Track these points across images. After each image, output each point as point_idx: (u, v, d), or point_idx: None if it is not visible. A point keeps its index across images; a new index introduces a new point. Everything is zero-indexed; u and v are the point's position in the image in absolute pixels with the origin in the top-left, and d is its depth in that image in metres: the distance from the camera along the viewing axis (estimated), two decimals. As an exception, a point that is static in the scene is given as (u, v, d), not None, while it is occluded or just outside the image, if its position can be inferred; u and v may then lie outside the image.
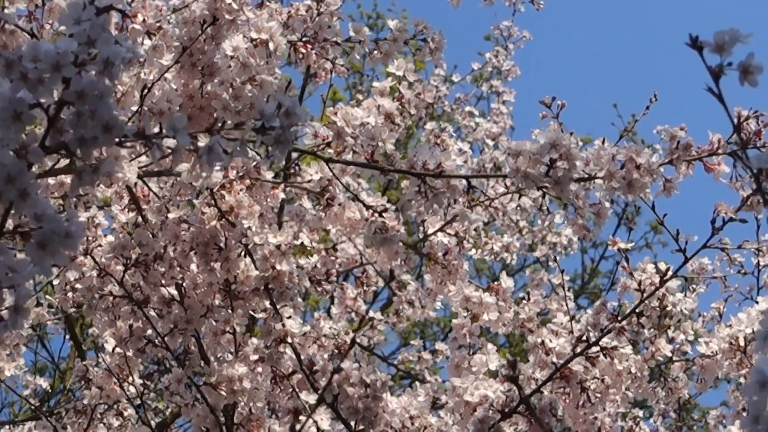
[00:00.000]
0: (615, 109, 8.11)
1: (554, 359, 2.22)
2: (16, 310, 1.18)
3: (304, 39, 2.37)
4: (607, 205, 2.12)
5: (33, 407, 3.91)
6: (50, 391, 4.50)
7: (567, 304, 2.44)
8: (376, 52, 2.44)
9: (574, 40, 18.01)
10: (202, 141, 1.25)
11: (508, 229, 4.20)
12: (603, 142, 2.18)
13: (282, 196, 2.56)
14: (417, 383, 2.51)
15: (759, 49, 1.04)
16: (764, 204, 1.93)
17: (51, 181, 2.39)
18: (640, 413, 3.70)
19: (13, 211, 1.17)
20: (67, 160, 2.03)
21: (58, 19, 2.17)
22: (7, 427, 3.42)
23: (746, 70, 1.03)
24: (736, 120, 2.01)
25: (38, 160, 1.16)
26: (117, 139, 1.16)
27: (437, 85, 5.00)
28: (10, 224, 1.21)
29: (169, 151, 1.18)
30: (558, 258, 4.37)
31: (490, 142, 5.07)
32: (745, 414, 0.98)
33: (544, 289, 3.99)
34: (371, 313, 4.04)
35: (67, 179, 2.34)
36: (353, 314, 2.79)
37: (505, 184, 2.67)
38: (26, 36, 2.24)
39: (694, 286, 2.34)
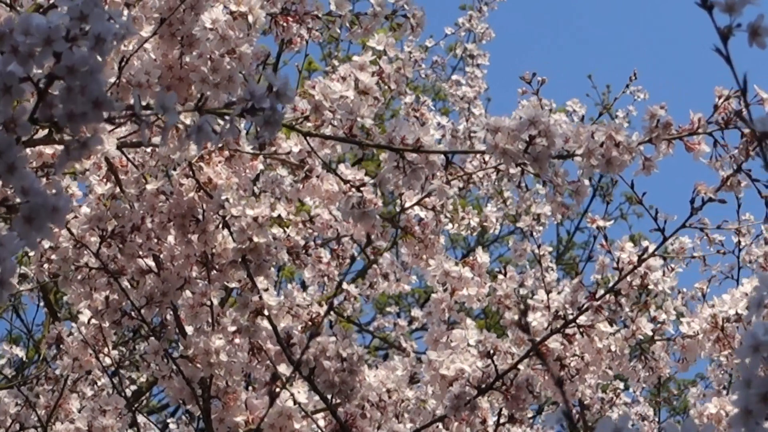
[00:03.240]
0: (590, 80, 8.09)
1: (532, 336, 2.24)
2: (1, 284, 1.19)
3: (284, 12, 2.37)
4: (586, 183, 2.13)
5: (6, 378, 3.91)
6: (26, 361, 4.50)
7: (543, 278, 2.46)
8: (356, 27, 2.44)
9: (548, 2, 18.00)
10: (186, 117, 1.25)
11: (492, 198, 4.20)
12: (582, 119, 2.20)
13: (261, 167, 2.57)
14: (395, 356, 2.53)
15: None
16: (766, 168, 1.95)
17: (28, 151, 2.38)
18: (621, 385, 3.74)
19: None
20: (46, 131, 2.02)
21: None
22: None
23: (755, 31, 1.02)
24: (716, 99, 2.03)
25: (27, 134, 1.16)
26: (106, 116, 1.16)
27: (411, 51, 4.97)
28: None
29: (159, 128, 1.18)
30: (540, 229, 4.38)
31: (466, 106, 5.05)
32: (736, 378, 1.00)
33: (526, 258, 3.99)
34: (345, 286, 4.05)
35: (46, 149, 2.34)
36: (326, 279, 2.79)
37: (483, 159, 2.68)
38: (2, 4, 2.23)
39: (673, 265, 2.36)
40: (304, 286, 2.92)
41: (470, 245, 7.43)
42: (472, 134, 4.04)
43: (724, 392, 2.88)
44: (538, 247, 2.65)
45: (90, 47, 1.13)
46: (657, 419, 4.61)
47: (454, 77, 5.19)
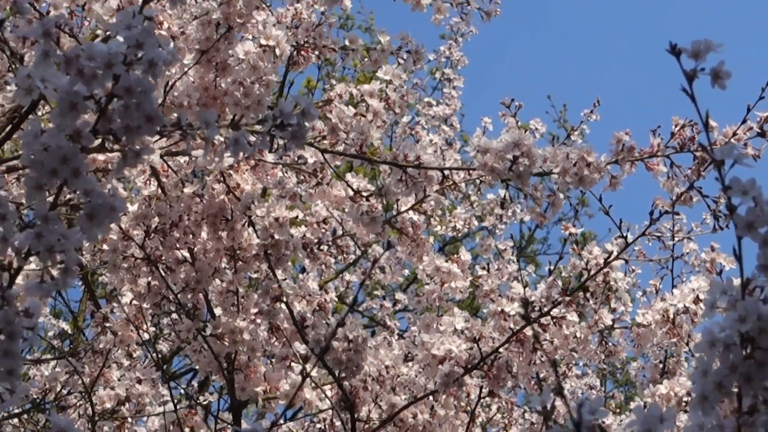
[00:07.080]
0: (549, 100, 8.18)
1: (511, 325, 2.22)
2: (65, 271, 1.17)
3: (306, 45, 2.36)
4: (561, 196, 2.12)
5: (55, 348, 3.88)
6: (68, 332, 4.48)
7: (521, 275, 2.44)
8: (366, 60, 2.44)
9: (514, 30, 17.99)
10: (225, 132, 1.24)
11: (460, 202, 4.19)
12: (553, 141, 2.19)
13: (280, 174, 2.56)
14: (393, 339, 2.51)
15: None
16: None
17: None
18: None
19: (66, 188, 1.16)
20: (99, 140, 2.00)
21: (108, 25, 2.13)
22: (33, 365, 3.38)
23: (717, 75, 1.03)
24: (673, 127, 2.01)
25: (90, 144, 1.14)
26: (157, 129, 1.14)
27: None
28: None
29: (201, 140, 1.16)
30: (504, 228, 4.39)
31: (437, 124, 5.03)
32: (694, 369, 0.99)
33: (491, 253, 3.98)
34: (347, 277, 4.03)
35: (99, 156, 2.31)
36: (323, 266, 2.77)
37: (469, 172, 2.66)
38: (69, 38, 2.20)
39: (633, 267, 2.34)
40: (303, 270, 2.88)
41: (445, 239, 7.43)
42: (443, 149, 4.02)
43: (661, 366, 2.86)
44: (520, 253, 2.62)
45: (144, 70, 1.11)
46: (603, 389, 4.62)
47: (426, 99, 5.14)
